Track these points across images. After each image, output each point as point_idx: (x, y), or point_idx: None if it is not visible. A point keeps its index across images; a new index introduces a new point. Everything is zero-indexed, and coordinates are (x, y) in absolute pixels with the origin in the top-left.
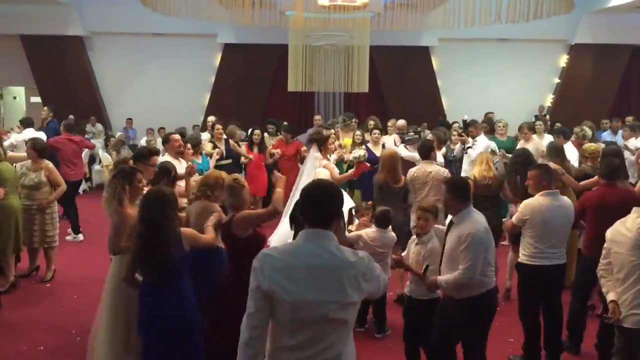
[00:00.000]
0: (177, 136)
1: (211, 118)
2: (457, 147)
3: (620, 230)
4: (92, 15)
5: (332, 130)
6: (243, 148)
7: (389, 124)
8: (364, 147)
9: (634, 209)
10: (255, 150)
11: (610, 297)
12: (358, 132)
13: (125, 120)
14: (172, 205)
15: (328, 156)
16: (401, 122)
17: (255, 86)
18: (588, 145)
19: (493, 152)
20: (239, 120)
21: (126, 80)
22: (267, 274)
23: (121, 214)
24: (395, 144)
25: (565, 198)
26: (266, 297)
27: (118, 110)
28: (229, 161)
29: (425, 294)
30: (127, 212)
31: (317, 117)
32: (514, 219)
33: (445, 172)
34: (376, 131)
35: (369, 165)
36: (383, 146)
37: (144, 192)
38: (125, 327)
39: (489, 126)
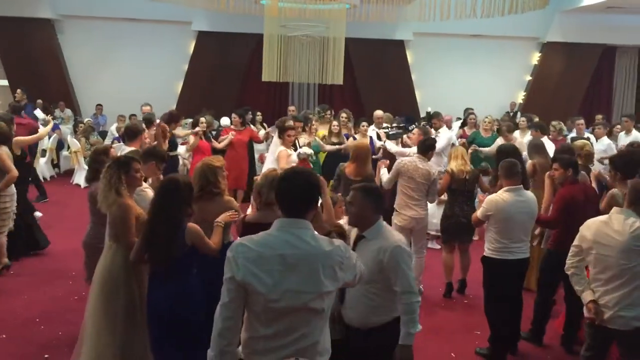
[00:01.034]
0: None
1: (146, 108)
2: None
3: (606, 232)
4: None
5: (313, 122)
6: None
7: (376, 115)
8: (352, 138)
9: (617, 209)
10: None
11: (588, 296)
12: (335, 123)
13: (95, 106)
14: (185, 197)
15: (297, 144)
16: (379, 112)
17: (229, 75)
18: (579, 142)
19: (452, 145)
20: (213, 109)
21: (97, 66)
22: (241, 265)
23: (122, 205)
24: (380, 139)
25: (529, 193)
26: (240, 287)
27: (88, 95)
28: (177, 152)
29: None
30: (128, 202)
31: (291, 107)
32: (478, 213)
33: (436, 172)
34: (364, 123)
35: (311, 165)
36: (371, 138)
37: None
38: (115, 317)
39: (465, 120)
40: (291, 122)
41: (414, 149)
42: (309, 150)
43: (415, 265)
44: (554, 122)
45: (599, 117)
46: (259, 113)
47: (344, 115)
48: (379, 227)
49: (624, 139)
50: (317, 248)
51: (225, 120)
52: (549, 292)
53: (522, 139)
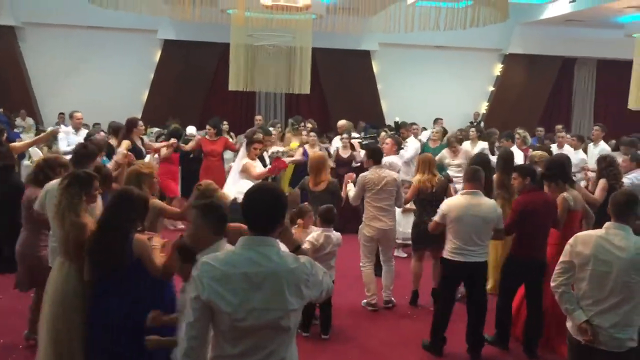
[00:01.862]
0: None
1: (78, 114)
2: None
3: (606, 247)
4: (25, 5)
5: (274, 132)
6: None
7: (338, 125)
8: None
9: (611, 224)
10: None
11: (581, 317)
12: (313, 134)
13: (57, 115)
14: (137, 209)
15: (268, 156)
16: (341, 122)
17: (195, 84)
18: (536, 152)
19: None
20: (179, 118)
21: (61, 74)
22: (206, 284)
23: (79, 226)
24: (354, 149)
25: (487, 199)
26: (206, 307)
27: (51, 104)
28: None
29: None
30: (85, 223)
31: (257, 117)
32: (436, 216)
33: (400, 176)
34: (312, 133)
35: (286, 162)
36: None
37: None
38: (68, 336)
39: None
40: (260, 136)
41: (389, 157)
42: (281, 148)
43: (386, 275)
44: (519, 130)
45: (558, 127)
46: (225, 122)
47: (309, 125)
48: (214, 250)
49: (592, 150)
50: (281, 266)
51: (191, 129)
52: (509, 296)
53: (472, 149)
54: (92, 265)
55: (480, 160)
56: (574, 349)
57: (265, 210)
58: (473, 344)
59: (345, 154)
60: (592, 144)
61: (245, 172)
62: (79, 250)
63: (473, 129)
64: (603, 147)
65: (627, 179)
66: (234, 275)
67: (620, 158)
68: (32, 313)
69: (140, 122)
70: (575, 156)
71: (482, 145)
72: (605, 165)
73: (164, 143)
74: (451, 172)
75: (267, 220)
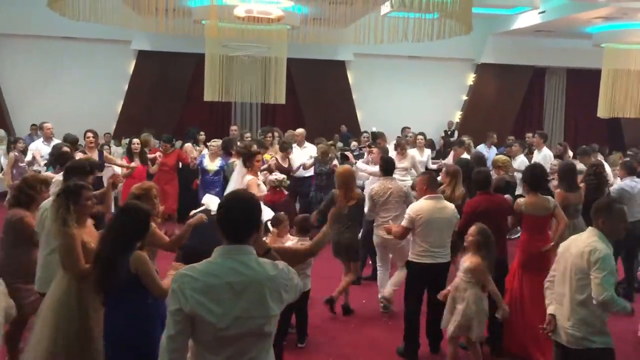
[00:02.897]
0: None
1: (48, 124)
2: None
3: (568, 247)
4: None
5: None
6: (123, 161)
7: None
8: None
9: (590, 228)
10: (137, 160)
11: (550, 310)
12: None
13: (30, 127)
14: (141, 225)
15: (260, 172)
16: (300, 130)
17: (170, 95)
18: (499, 157)
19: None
20: (154, 128)
21: (34, 85)
22: (189, 296)
23: (66, 234)
24: (347, 158)
25: (448, 202)
26: (188, 319)
27: (24, 116)
28: (102, 174)
29: None
30: (72, 232)
31: (233, 127)
32: (404, 222)
33: (406, 187)
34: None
35: (286, 194)
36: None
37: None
38: (66, 346)
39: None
40: (255, 147)
41: (375, 167)
42: (281, 176)
43: (381, 279)
44: (464, 137)
45: (529, 135)
46: (202, 132)
47: (276, 135)
48: None
49: (536, 156)
50: (262, 273)
51: None
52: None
53: (420, 156)
54: (95, 279)
55: (465, 166)
56: (555, 347)
57: (241, 219)
58: (433, 338)
59: (285, 163)
60: (536, 151)
61: (248, 189)
62: (68, 260)
63: (421, 137)
64: (545, 153)
65: (620, 184)
66: (218, 285)
67: (578, 166)
68: (7, 343)
69: (88, 134)
70: (519, 159)
71: (428, 152)
72: (591, 174)
73: (126, 166)
74: (396, 175)
75: (243, 229)
